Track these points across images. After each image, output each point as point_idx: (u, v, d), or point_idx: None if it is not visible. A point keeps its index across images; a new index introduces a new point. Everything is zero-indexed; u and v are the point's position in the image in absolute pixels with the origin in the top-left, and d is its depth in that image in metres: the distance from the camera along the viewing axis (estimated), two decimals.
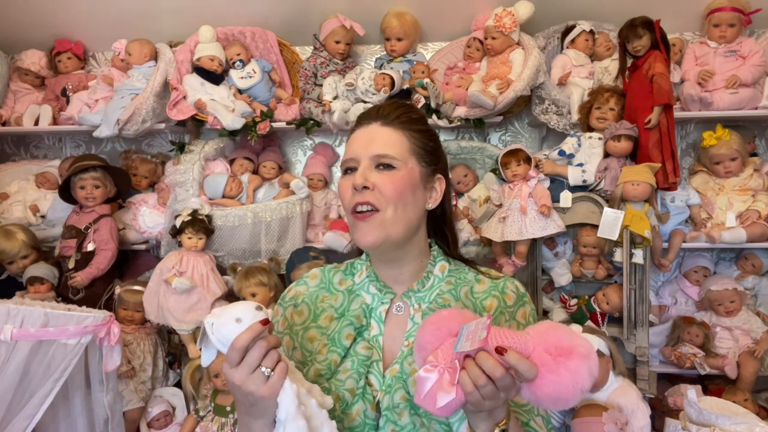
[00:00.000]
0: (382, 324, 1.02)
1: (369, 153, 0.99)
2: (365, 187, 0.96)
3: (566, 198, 2.43)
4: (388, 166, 0.98)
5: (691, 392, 1.87)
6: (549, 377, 0.75)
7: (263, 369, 0.82)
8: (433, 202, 1.06)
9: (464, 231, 2.58)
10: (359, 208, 0.97)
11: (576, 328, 2.23)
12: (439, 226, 1.11)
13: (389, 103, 1.06)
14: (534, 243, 2.49)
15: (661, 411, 2.48)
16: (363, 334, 1.02)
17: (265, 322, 0.83)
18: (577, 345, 0.76)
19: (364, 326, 1.02)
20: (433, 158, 1.05)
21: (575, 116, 2.56)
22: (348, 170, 1.02)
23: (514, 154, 2.45)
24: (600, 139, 2.47)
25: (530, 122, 2.88)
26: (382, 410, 0.95)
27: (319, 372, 0.98)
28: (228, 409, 2.25)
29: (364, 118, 1.05)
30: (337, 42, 2.64)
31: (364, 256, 1.11)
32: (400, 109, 1.04)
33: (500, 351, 0.76)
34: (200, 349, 0.88)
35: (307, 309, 1.07)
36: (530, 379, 0.76)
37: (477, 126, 2.57)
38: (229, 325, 0.83)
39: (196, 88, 2.60)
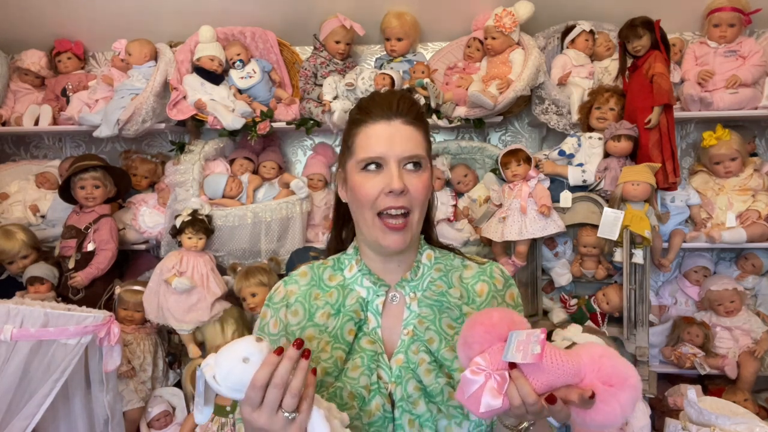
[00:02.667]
0: (379, 316, 1.03)
1: (398, 154, 0.97)
2: (402, 191, 0.96)
3: (566, 198, 2.43)
4: (417, 165, 0.99)
5: (691, 392, 1.88)
6: (601, 407, 0.76)
7: (285, 414, 0.79)
8: (431, 194, 1.08)
9: (464, 231, 2.58)
10: (393, 212, 0.97)
11: (576, 328, 2.24)
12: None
13: (401, 97, 1.01)
14: (534, 243, 2.49)
15: (661, 411, 2.49)
16: (363, 328, 1.02)
17: (280, 351, 0.79)
18: (630, 376, 0.78)
19: (363, 320, 1.02)
20: (431, 150, 1.07)
21: (575, 116, 2.56)
22: (368, 166, 0.98)
23: (514, 154, 2.45)
24: (600, 139, 2.47)
25: (530, 122, 2.88)
26: (396, 402, 0.96)
27: (325, 370, 0.98)
28: (228, 409, 2.25)
29: (379, 111, 0.99)
30: (337, 42, 2.64)
31: (351, 251, 1.11)
32: (415, 105, 1.02)
33: (551, 400, 0.77)
34: (196, 407, 0.82)
35: (302, 308, 1.06)
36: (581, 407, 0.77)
37: (477, 126, 2.57)
38: (238, 369, 0.77)
39: (196, 88, 2.60)
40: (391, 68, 2.64)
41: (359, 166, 0.99)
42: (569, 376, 0.78)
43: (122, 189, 2.63)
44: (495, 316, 0.85)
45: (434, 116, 2.53)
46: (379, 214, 0.98)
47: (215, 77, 2.64)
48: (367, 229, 1.01)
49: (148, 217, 2.66)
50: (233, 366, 0.77)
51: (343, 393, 0.95)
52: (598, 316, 2.48)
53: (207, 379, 0.78)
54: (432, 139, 1.14)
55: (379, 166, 0.98)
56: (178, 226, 2.40)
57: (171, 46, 2.71)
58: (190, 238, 2.40)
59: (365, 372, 0.97)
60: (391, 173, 0.96)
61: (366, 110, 1.01)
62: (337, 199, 1.12)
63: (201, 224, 2.40)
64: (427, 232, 1.13)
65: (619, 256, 2.38)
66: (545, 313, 2.61)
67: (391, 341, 1.02)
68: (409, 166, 0.98)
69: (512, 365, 0.79)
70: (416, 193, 0.98)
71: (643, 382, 2.40)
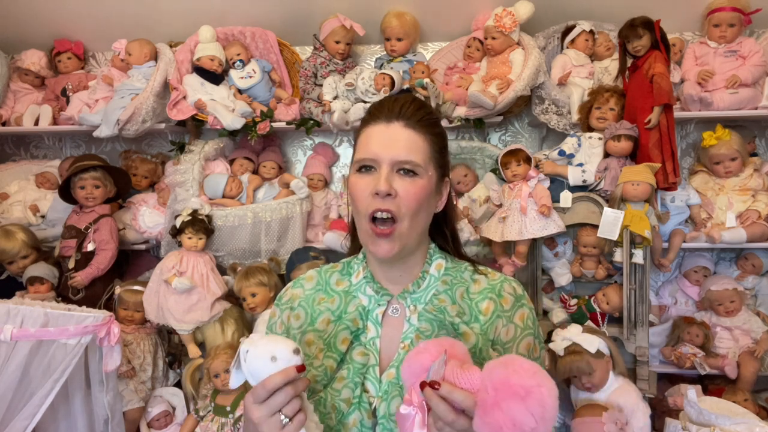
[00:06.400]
0: (378, 326, 1.01)
1: (392, 157, 0.95)
2: (388, 194, 0.94)
3: (566, 198, 2.43)
4: (411, 172, 0.95)
5: (691, 392, 1.87)
6: (484, 418, 0.75)
7: (282, 417, 0.82)
8: (440, 206, 1.05)
9: (464, 231, 2.58)
10: (379, 215, 0.94)
11: (576, 328, 2.24)
12: (439, 226, 1.09)
13: (409, 101, 1.00)
14: (534, 243, 2.49)
15: (661, 411, 2.48)
16: (359, 337, 1.00)
17: (301, 368, 0.83)
18: (514, 384, 0.74)
19: (360, 329, 1.00)
20: (444, 161, 1.03)
21: (575, 116, 2.56)
22: (363, 168, 0.97)
23: (514, 154, 2.45)
24: (600, 139, 2.47)
25: (530, 122, 2.88)
26: (379, 418, 0.94)
27: (315, 378, 0.97)
28: (228, 409, 2.25)
29: (382, 114, 0.98)
30: (337, 42, 2.64)
31: (361, 255, 1.09)
32: (422, 110, 0.99)
33: (433, 385, 0.78)
34: (232, 370, 0.87)
35: (304, 312, 1.06)
36: (473, 413, 0.77)
37: (477, 126, 2.57)
38: (264, 360, 0.82)
39: (196, 88, 2.60)
40: (391, 68, 2.64)
41: (356, 166, 0.98)
42: (468, 388, 0.79)
43: (122, 189, 2.62)
44: (420, 347, 0.86)
45: None
46: (373, 221, 0.96)
47: (215, 77, 2.64)
48: (361, 234, 1.00)
49: (148, 217, 2.66)
50: (262, 356, 0.82)
51: (326, 403, 0.95)
52: (598, 316, 2.48)
53: (241, 350, 0.84)
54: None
55: (372, 168, 0.96)
56: (178, 226, 2.40)
57: (171, 46, 2.71)
58: (190, 238, 2.40)
59: (348, 385, 0.96)
60: (380, 175, 0.94)
61: (372, 111, 1.01)
62: None
63: (201, 224, 2.40)
64: (448, 244, 1.09)
65: (619, 256, 2.37)
66: (545, 313, 2.61)
67: (389, 354, 0.99)
68: (401, 172, 0.95)
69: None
70: (406, 199, 0.94)
71: (643, 382, 2.40)
